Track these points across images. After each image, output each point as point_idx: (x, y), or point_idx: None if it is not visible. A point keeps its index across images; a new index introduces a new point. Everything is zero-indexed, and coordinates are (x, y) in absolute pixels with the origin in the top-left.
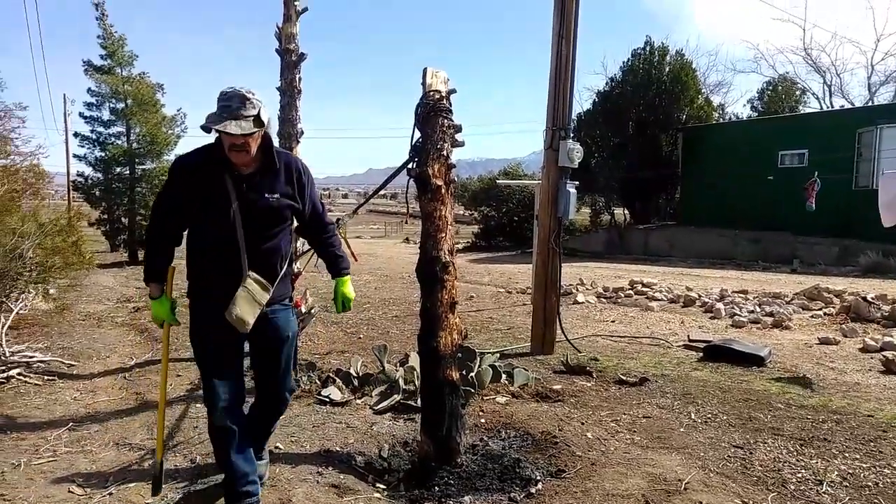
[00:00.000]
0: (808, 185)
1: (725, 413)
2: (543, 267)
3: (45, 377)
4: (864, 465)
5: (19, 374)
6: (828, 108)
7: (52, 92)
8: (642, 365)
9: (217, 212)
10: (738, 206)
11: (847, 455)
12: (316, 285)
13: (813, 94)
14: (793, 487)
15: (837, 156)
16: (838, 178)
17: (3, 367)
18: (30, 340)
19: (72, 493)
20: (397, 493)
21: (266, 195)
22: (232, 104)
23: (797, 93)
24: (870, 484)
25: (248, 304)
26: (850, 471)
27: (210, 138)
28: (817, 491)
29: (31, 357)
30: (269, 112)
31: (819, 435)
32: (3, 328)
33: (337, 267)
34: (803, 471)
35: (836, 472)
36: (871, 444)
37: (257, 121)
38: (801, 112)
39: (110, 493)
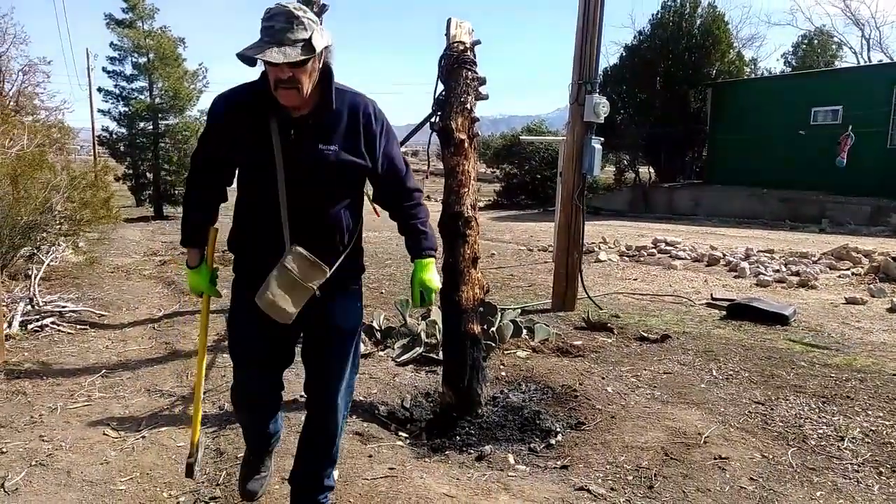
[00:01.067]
0: (841, 140)
1: (747, 370)
2: (566, 224)
3: (78, 326)
4: (888, 423)
5: (52, 322)
6: (865, 62)
7: (74, 47)
8: (664, 322)
9: (257, 165)
10: (767, 164)
11: (870, 412)
12: None
13: (850, 48)
14: (813, 443)
15: (872, 112)
16: (872, 135)
17: (38, 316)
18: (61, 291)
19: (106, 435)
20: (419, 442)
21: (321, 146)
22: (275, 24)
23: (833, 47)
24: (892, 441)
25: (288, 288)
26: (873, 428)
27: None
28: (838, 447)
29: (63, 307)
30: (328, 37)
31: (842, 393)
32: (35, 279)
33: (419, 246)
34: (825, 427)
35: (858, 429)
36: (895, 402)
37: (308, 47)
38: (836, 67)
39: (143, 437)
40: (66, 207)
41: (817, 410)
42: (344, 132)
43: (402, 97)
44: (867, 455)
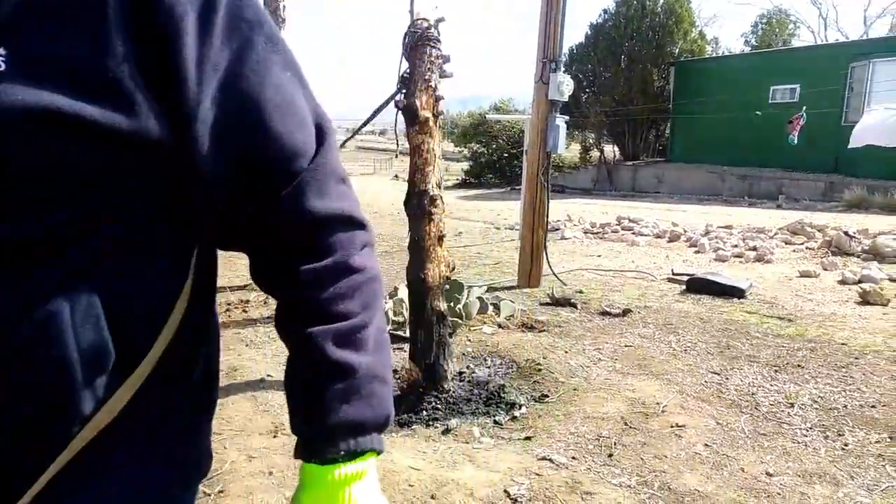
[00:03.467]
0: (793, 119)
1: (704, 342)
2: (531, 202)
3: None
4: (835, 389)
5: None
6: (822, 41)
7: None
8: (626, 297)
9: None
10: (727, 142)
11: (819, 380)
12: None
13: (808, 27)
14: (765, 410)
15: (828, 90)
16: (827, 113)
17: None
18: None
19: None
20: None
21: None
22: None
23: (791, 26)
24: (838, 406)
25: None
26: (821, 394)
27: None
28: (788, 413)
29: None
30: None
31: (793, 362)
32: None
33: (335, 424)
34: (776, 395)
35: (807, 396)
36: (843, 370)
37: None
38: (794, 46)
39: None
40: None
41: (769, 379)
42: (90, 28)
43: (368, 76)
44: (815, 420)
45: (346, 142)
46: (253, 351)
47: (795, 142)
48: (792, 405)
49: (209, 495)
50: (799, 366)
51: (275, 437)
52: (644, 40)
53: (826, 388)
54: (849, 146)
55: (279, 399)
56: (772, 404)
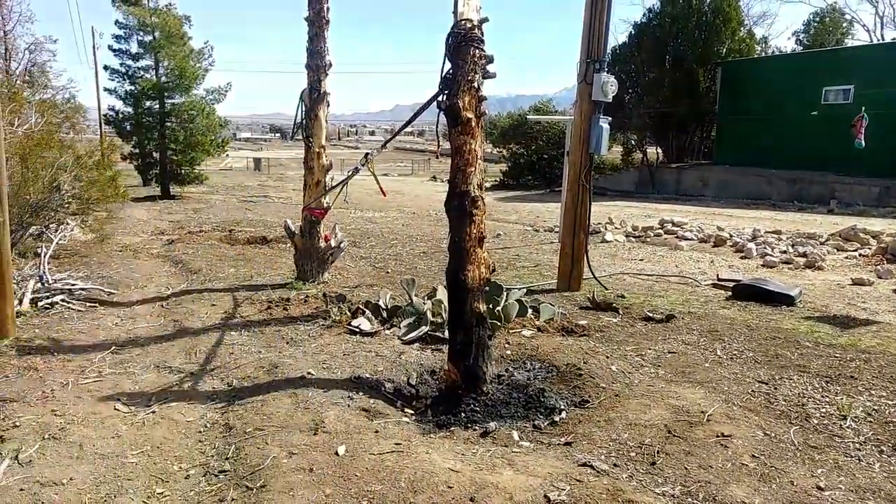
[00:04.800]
0: (855, 122)
1: (752, 350)
2: (572, 203)
3: (87, 304)
4: (890, 402)
5: (63, 300)
6: (878, 40)
7: (81, 25)
8: (669, 303)
9: None
10: (776, 144)
11: (873, 392)
12: (343, 221)
13: (863, 25)
14: (816, 421)
15: (884, 91)
16: (884, 115)
17: (48, 294)
18: (70, 269)
19: (118, 410)
20: (425, 418)
21: None
22: None
23: (845, 24)
24: (894, 420)
25: None
26: (876, 407)
27: None
28: (840, 426)
29: (73, 284)
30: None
31: (846, 373)
32: (45, 257)
33: None
34: (827, 406)
35: (860, 409)
36: None
37: None
38: (848, 45)
39: (153, 412)
40: (73, 186)
41: (821, 390)
42: None
43: (409, 77)
44: (869, 434)
45: (386, 143)
46: (293, 349)
47: (863, 145)
48: (844, 417)
49: (251, 489)
50: (852, 377)
51: (315, 434)
52: (690, 40)
53: (881, 401)
54: None
55: (320, 397)
56: (823, 416)
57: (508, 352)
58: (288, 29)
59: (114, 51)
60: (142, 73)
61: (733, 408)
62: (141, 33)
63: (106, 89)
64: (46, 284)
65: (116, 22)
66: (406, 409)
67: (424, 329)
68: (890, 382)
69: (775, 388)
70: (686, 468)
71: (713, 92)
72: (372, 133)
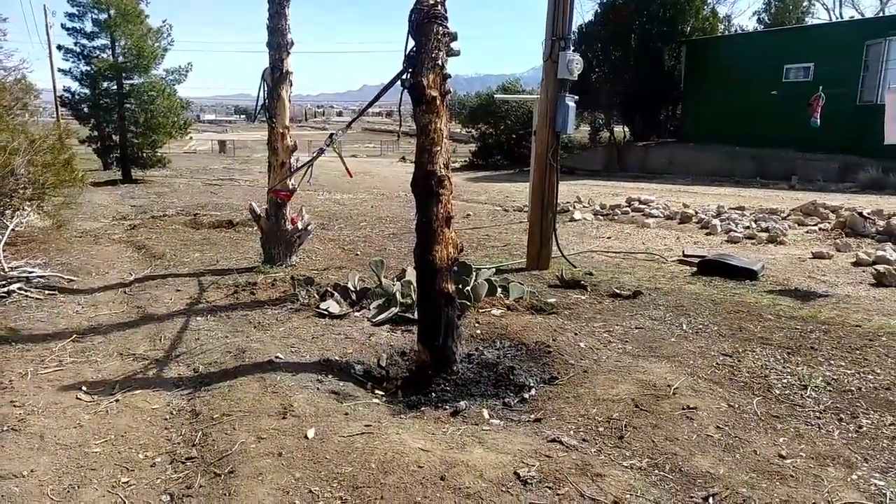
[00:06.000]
0: (812, 101)
1: (716, 324)
2: (540, 183)
3: (46, 292)
4: (849, 372)
5: (20, 288)
6: (837, 19)
7: (33, 3)
8: (636, 279)
9: None
10: (740, 122)
11: (832, 362)
12: (311, 203)
13: (822, 4)
14: (778, 392)
15: (843, 69)
16: (843, 93)
17: (4, 283)
18: (28, 256)
19: (79, 399)
20: (395, 399)
21: None
22: None
23: (805, 3)
24: (852, 388)
25: None
26: (835, 377)
27: None
28: (801, 395)
29: (30, 272)
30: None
31: (806, 344)
32: (0, 244)
33: None
34: (789, 377)
35: (820, 378)
36: (857, 352)
37: None
38: (809, 24)
39: (117, 400)
40: (28, 171)
41: (782, 361)
42: None
43: (375, 56)
44: (828, 403)
45: (351, 123)
46: (261, 333)
47: (818, 124)
48: (805, 388)
49: (219, 475)
50: (812, 348)
51: (284, 418)
52: (655, 18)
53: (840, 371)
54: (887, 142)
55: (288, 381)
56: (784, 387)
57: (478, 331)
58: (252, 6)
59: (67, 30)
60: (98, 52)
61: (698, 381)
62: (95, 11)
63: (60, 70)
64: (2, 273)
65: None
66: (376, 391)
67: (394, 310)
68: (848, 352)
69: (739, 361)
70: (653, 441)
71: (678, 70)
72: (339, 113)
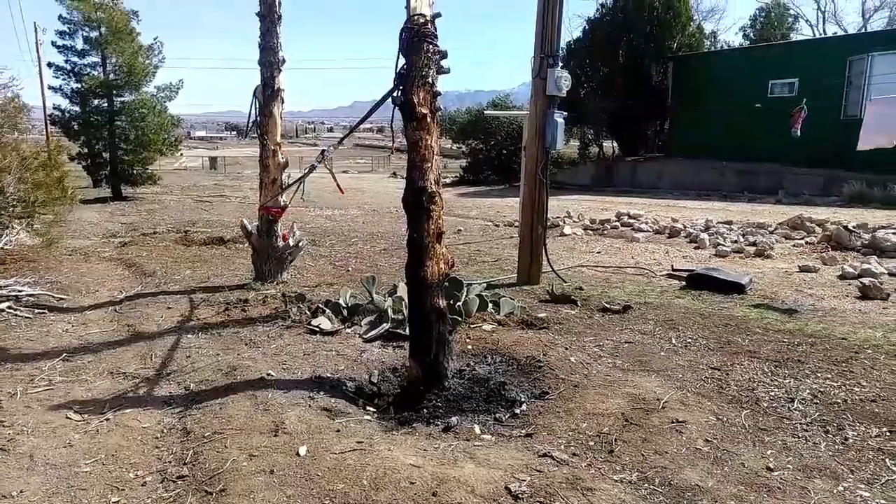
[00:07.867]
0: (794, 112)
1: (705, 338)
2: (530, 198)
3: (36, 310)
4: (835, 384)
5: (9, 307)
6: (820, 34)
7: (24, 20)
8: (626, 294)
9: None
10: (726, 137)
11: (819, 375)
12: (303, 219)
13: (806, 20)
14: (765, 405)
15: (827, 84)
16: (827, 108)
17: None
18: (17, 275)
19: (69, 418)
20: (387, 416)
21: None
22: None
23: (790, 19)
24: (839, 401)
25: None
26: (821, 389)
27: None
28: (788, 408)
29: (19, 291)
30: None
31: (793, 357)
32: None
33: None
34: (776, 390)
35: (807, 391)
36: (843, 364)
37: None
38: (792, 39)
39: (107, 419)
40: (18, 189)
41: (770, 374)
42: None
43: (366, 72)
44: (815, 415)
45: (342, 139)
46: (252, 350)
47: (799, 134)
48: (792, 400)
49: (210, 494)
50: (799, 361)
51: (275, 435)
52: (642, 35)
53: (826, 383)
54: (859, 148)
55: (280, 398)
56: (772, 399)
57: (469, 346)
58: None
59: (58, 47)
60: (89, 70)
61: (688, 394)
62: (86, 29)
63: (51, 87)
64: None
65: (60, 17)
66: (368, 408)
67: (385, 326)
68: (834, 365)
69: (727, 374)
70: (643, 454)
71: (665, 86)
72: (330, 130)
